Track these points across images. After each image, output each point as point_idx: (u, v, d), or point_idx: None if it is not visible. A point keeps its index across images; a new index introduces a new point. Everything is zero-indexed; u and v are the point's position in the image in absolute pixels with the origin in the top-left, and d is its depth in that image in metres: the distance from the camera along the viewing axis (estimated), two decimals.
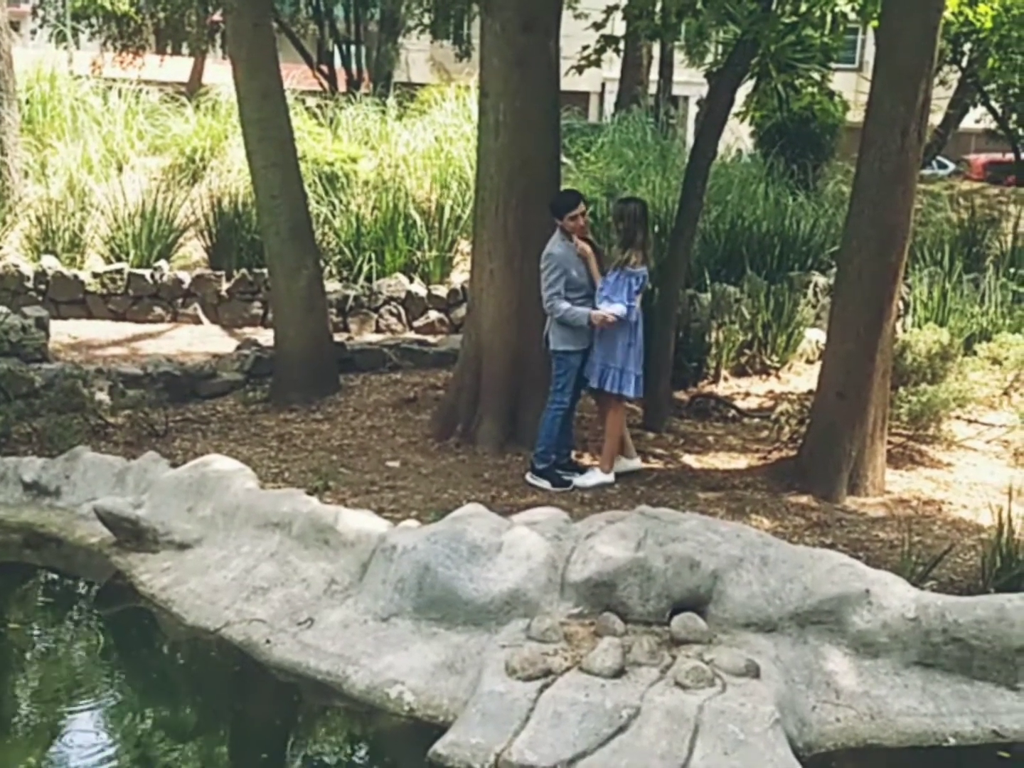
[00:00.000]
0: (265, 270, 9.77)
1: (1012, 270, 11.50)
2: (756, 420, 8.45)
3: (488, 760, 4.44)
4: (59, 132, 13.67)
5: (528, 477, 6.93)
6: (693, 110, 27.12)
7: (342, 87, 20.72)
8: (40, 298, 10.86)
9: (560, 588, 5.33)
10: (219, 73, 19.22)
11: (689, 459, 7.59)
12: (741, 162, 15.63)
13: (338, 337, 9.89)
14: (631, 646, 4.92)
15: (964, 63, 17.32)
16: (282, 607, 5.59)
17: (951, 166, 24.97)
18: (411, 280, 11.64)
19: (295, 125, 9.51)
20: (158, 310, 11.33)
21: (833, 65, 8.93)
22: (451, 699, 4.89)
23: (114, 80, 15.73)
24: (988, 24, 14.69)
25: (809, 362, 9.84)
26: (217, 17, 23.92)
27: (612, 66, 21.16)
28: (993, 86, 18.17)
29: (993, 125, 20.28)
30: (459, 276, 11.68)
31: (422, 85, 20.09)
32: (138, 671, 5.45)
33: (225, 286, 11.44)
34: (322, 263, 10.06)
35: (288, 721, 5.22)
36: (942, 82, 17.71)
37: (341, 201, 12.19)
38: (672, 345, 8.24)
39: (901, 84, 6.55)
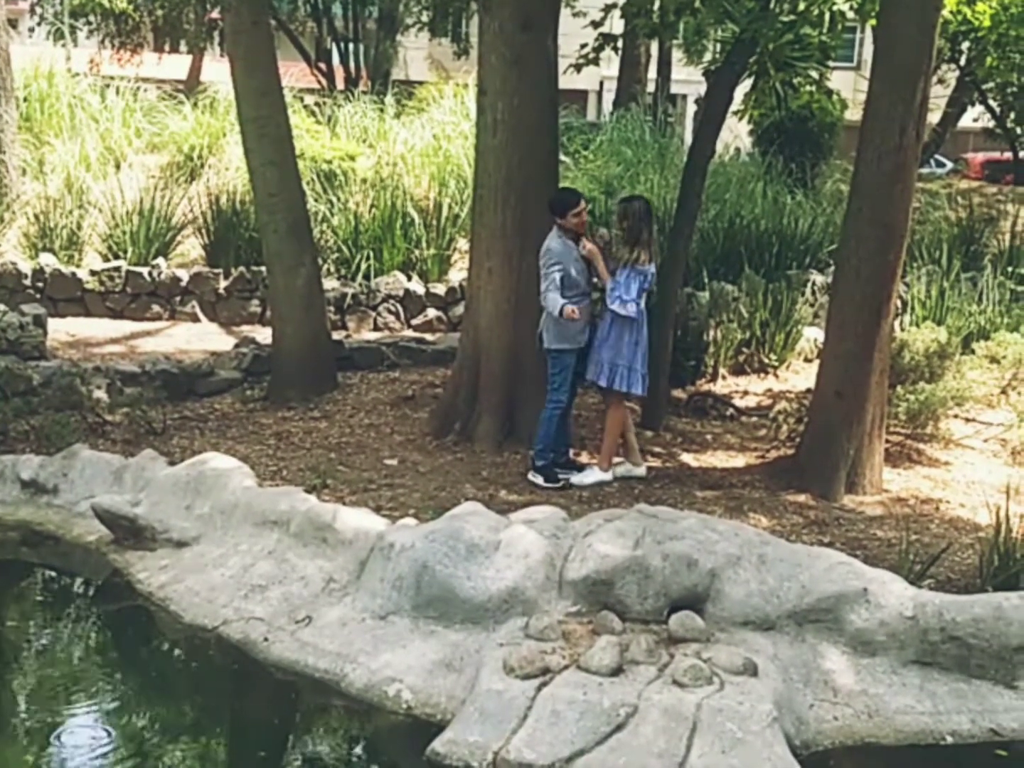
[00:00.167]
0: (263, 268, 9.73)
1: (1010, 268, 11.47)
2: (754, 419, 8.45)
3: (486, 758, 4.44)
4: (57, 130, 13.64)
5: (530, 476, 6.94)
6: (691, 108, 27.11)
7: (340, 85, 20.68)
8: (38, 296, 10.81)
9: (558, 586, 5.34)
10: (217, 71, 19.16)
11: (687, 458, 7.59)
12: (739, 161, 15.62)
13: (336, 335, 9.88)
14: (629, 644, 4.93)
15: (962, 62, 17.29)
16: (280, 605, 5.59)
17: (949, 165, 24.95)
18: (409, 278, 11.62)
19: (293, 123, 9.49)
20: (156, 308, 11.29)
21: (831, 64, 8.90)
22: (449, 697, 4.90)
23: (112, 78, 15.73)
24: (986, 23, 14.70)
25: (807, 361, 9.82)
26: (215, 15, 23.88)
27: (610, 64, 21.05)
28: (991, 85, 18.15)
29: (991, 124, 20.27)
30: (457, 274, 11.66)
31: (420, 83, 20.04)
32: (136, 669, 5.45)
33: (223, 284, 11.41)
34: (320, 261, 10.03)
35: (286, 719, 5.22)
36: (940, 81, 17.69)
37: (339, 199, 12.17)
38: (670, 343, 8.23)
39: (899, 83, 6.55)
